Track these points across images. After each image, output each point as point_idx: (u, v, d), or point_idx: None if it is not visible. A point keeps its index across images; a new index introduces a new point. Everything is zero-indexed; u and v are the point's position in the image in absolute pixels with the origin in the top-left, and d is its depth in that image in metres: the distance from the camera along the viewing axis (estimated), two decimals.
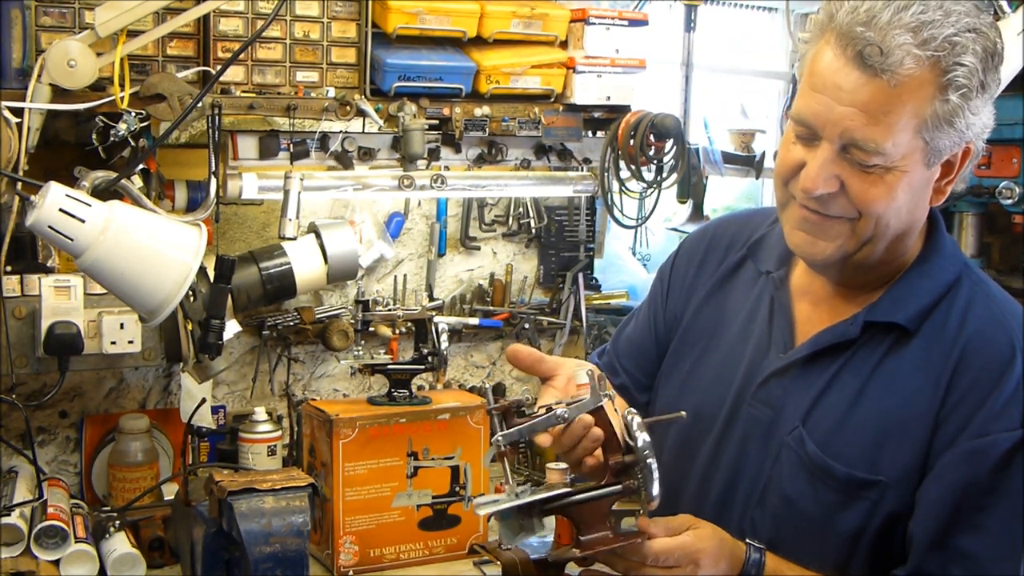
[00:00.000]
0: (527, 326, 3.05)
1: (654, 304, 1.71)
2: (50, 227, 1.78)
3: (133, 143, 2.24)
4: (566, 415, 1.40)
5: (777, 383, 1.44)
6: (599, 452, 1.41)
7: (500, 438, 1.41)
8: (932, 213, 1.45)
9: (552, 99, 2.72)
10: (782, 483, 1.41)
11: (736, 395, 1.47)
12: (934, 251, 1.42)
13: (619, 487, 1.39)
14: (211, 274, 2.04)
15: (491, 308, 3.04)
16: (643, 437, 1.36)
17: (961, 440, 1.31)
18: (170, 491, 2.44)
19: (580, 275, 3.13)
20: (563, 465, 1.84)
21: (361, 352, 2.54)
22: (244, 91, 2.40)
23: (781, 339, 1.46)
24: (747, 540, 1.39)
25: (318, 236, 2.46)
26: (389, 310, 2.59)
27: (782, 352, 1.46)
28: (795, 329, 1.46)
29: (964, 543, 1.30)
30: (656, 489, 1.35)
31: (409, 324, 2.58)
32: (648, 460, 1.34)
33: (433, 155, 2.68)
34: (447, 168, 2.69)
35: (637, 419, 1.38)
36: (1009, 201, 2.87)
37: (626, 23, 2.76)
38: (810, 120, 1.33)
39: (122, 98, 2.17)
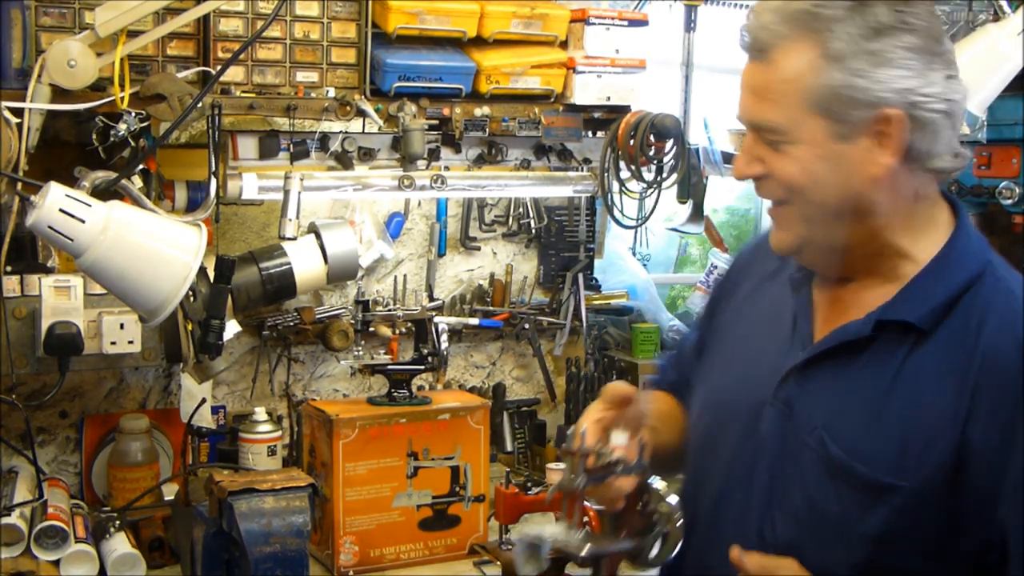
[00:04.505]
0: (527, 326, 3.05)
1: (701, 318, 1.75)
2: (50, 227, 1.79)
3: (133, 143, 2.24)
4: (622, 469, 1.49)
5: (795, 381, 1.43)
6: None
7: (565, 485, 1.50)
8: (957, 208, 1.43)
9: (552, 99, 2.72)
10: (805, 485, 1.39)
11: (759, 394, 1.47)
12: (952, 247, 1.39)
13: (629, 546, 1.52)
14: (211, 274, 2.04)
15: (491, 308, 3.04)
16: (666, 504, 1.50)
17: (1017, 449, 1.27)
18: (170, 491, 2.44)
19: (580, 275, 3.13)
20: (563, 465, 1.93)
21: (361, 352, 2.54)
22: (244, 91, 2.40)
23: (800, 339, 1.47)
24: None
25: (318, 236, 2.46)
26: (389, 310, 2.59)
27: (801, 351, 1.46)
28: (814, 328, 1.47)
29: None
30: (652, 554, 1.50)
31: (409, 324, 2.58)
32: (659, 531, 1.49)
33: (433, 155, 2.68)
34: (447, 168, 2.69)
35: (659, 486, 1.50)
36: (1009, 201, 2.87)
37: (626, 23, 2.76)
38: (737, 115, 1.45)
39: (122, 98, 2.17)
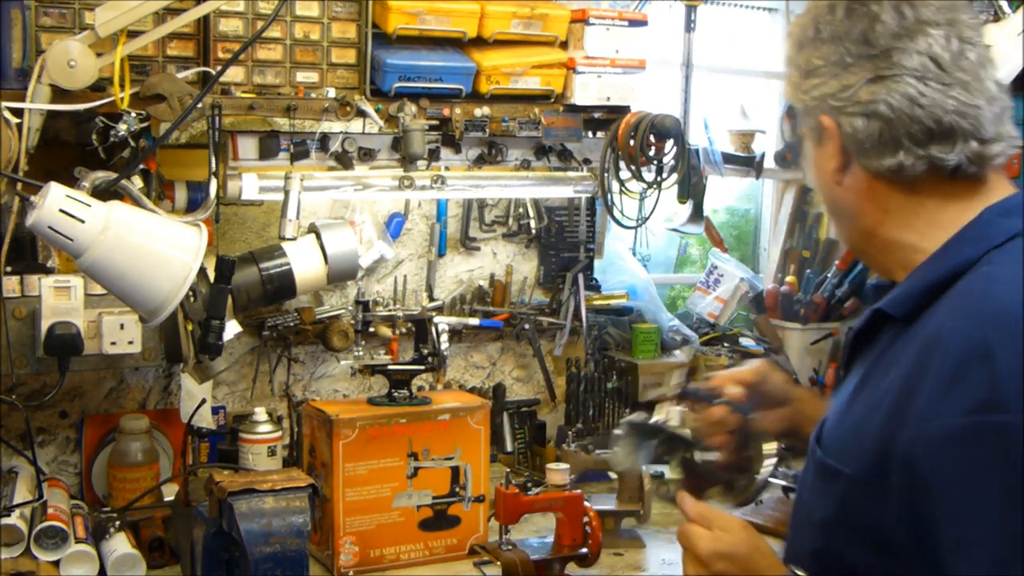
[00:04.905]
0: (527, 326, 3.05)
1: None
2: (50, 227, 1.79)
3: (133, 143, 2.24)
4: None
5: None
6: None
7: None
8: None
9: (552, 99, 2.72)
10: (802, 477, 1.46)
11: None
12: (957, 238, 1.34)
13: (724, 476, 1.71)
14: (211, 274, 2.04)
15: (491, 308, 3.04)
16: (763, 455, 1.69)
17: (899, 444, 1.21)
18: (170, 491, 2.44)
19: (580, 275, 3.13)
20: (564, 466, 2.06)
21: (361, 352, 2.54)
22: (244, 91, 2.40)
23: None
24: (792, 567, 1.38)
25: (318, 236, 2.46)
26: (389, 310, 2.60)
27: None
28: None
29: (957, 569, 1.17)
30: (738, 491, 1.70)
31: (409, 324, 2.58)
32: (751, 475, 1.69)
33: (433, 155, 2.68)
34: (447, 168, 2.70)
35: (767, 446, 1.69)
36: None
37: (626, 23, 2.76)
38: None
39: (122, 98, 2.17)
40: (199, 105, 2.19)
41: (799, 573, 1.37)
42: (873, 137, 1.33)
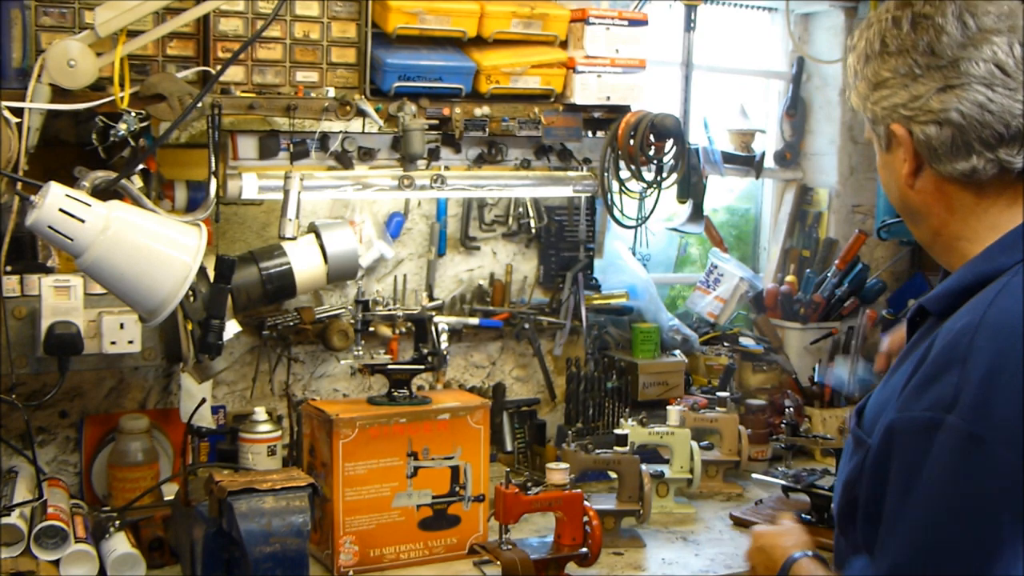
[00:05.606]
0: (527, 326, 3.05)
1: None
2: (50, 227, 1.79)
3: (133, 143, 2.24)
4: None
5: None
6: None
7: None
8: None
9: (552, 99, 2.72)
10: None
11: None
12: (995, 244, 1.42)
13: None
14: (211, 274, 2.04)
15: (491, 308, 3.04)
16: None
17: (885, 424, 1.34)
18: (170, 491, 2.44)
19: (580, 275, 3.13)
20: (564, 466, 2.07)
21: (361, 352, 2.54)
22: (244, 91, 2.40)
23: None
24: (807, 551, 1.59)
25: (318, 236, 2.47)
26: (389, 310, 2.59)
27: None
28: None
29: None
30: None
31: (409, 324, 2.58)
32: None
33: (433, 155, 2.68)
34: (447, 168, 2.70)
35: None
36: None
37: (626, 23, 2.76)
38: None
39: (122, 98, 2.17)
40: (199, 105, 2.20)
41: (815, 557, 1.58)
42: (946, 144, 1.39)
